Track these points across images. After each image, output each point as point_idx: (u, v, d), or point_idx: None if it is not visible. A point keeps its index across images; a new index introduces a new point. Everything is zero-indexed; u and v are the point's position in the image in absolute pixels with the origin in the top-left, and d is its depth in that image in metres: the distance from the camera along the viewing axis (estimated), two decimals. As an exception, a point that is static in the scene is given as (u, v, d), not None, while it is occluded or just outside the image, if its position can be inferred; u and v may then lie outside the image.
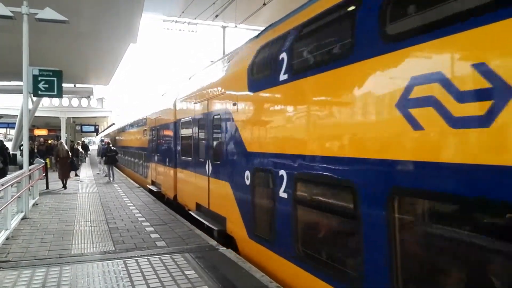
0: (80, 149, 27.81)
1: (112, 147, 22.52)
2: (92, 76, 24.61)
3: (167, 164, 13.97)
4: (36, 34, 11.72)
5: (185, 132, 11.64)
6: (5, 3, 9.80)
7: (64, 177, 17.75)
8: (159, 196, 14.92)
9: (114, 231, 9.15)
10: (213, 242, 7.96)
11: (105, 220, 10.43)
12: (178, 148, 12.47)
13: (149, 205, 12.94)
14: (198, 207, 10.26)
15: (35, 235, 8.68)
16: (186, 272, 6.15)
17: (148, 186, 17.52)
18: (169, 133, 13.68)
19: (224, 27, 22.73)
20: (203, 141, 9.73)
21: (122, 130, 31.39)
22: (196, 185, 10.27)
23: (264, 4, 16.03)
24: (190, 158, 10.94)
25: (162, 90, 20.85)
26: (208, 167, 9.20)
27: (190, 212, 10.64)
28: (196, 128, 10.40)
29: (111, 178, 20.71)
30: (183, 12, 20.43)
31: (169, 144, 13.72)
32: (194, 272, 6.15)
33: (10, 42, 13.99)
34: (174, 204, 12.81)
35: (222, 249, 7.46)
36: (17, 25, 10.83)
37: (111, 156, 21.33)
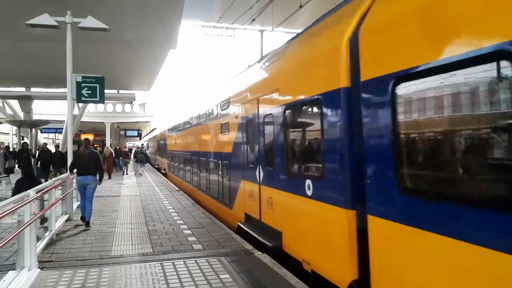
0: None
1: (143, 150, 31.75)
2: (134, 82, 25.36)
3: None
4: (79, 43, 12.17)
5: None
6: (49, 13, 10.25)
7: (108, 171, 24.98)
8: None
9: (153, 233, 9.30)
10: (249, 246, 7.91)
11: (145, 222, 10.63)
12: None
13: (188, 208, 13.10)
14: None
15: (77, 237, 8.97)
16: (221, 276, 6.14)
17: None
18: None
19: (261, 31, 22.83)
20: None
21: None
22: None
23: (301, 6, 15.91)
24: None
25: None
26: None
27: None
28: None
29: (137, 173, 27.76)
30: (220, 17, 20.70)
31: None
32: (229, 276, 6.13)
33: (55, 50, 14.60)
34: None
35: (258, 253, 7.40)
36: (61, 34, 11.29)
37: (139, 157, 29.28)
